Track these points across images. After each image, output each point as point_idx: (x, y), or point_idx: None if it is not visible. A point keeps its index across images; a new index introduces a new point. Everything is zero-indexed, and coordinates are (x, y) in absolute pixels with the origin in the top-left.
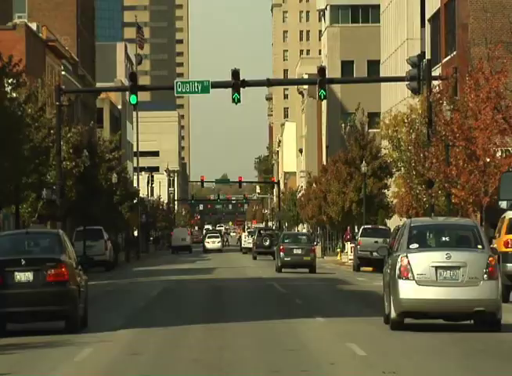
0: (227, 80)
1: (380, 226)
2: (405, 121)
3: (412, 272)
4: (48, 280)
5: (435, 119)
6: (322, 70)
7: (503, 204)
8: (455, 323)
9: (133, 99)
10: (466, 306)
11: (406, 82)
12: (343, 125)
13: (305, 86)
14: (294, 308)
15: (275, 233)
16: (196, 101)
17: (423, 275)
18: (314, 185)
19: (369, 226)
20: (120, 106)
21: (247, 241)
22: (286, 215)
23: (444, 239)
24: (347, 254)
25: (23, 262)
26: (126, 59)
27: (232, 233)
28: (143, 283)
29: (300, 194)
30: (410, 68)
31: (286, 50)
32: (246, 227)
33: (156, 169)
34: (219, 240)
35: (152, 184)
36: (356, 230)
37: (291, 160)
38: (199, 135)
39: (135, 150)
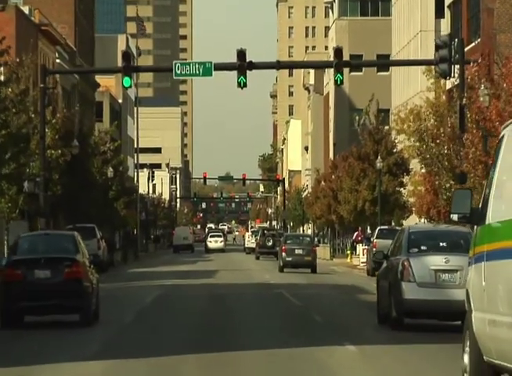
0: (232, 61)
1: (397, 227)
2: (429, 111)
3: (414, 275)
4: (65, 278)
5: (469, 106)
6: (338, 51)
7: (455, 217)
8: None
9: (126, 82)
10: (463, 307)
11: (432, 66)
12: (357, 118)
13: (311, 82)
14: (314, 328)
15: (280, 233)
16: (200, 98)
17: (423, 277)
18: (323, 182)
19: (386, 227)
20: (120, 100)
21: (251, 241)
22: (291, 214)
23: (441, 244)
24: (359, 257)
25: (43, 261)
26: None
27: (235, 232)
28: (135, 288)
29: (306, 193)
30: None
31: (292, 46)
32: (249, 227)
33: (158, 166)
34: (222, 239)
35: (152, 181)
36: (369, 231)
37: (296, 159)
38: (202, 133)
39: (135, 145)
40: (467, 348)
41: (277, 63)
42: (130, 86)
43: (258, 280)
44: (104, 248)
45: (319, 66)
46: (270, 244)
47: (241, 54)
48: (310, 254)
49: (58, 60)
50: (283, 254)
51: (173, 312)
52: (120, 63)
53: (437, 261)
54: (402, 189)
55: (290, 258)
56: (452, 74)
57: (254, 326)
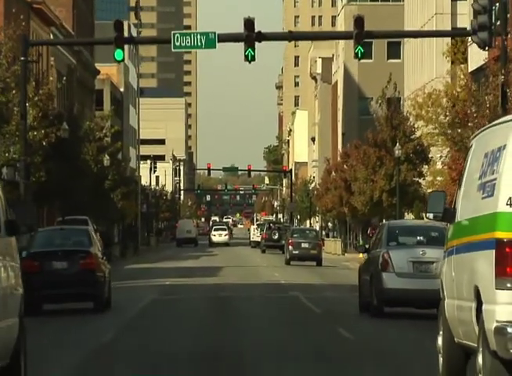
0: (238, 31)
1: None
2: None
3: (393, 266)
4: (80, 268)
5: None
6: (359, 20)
7: (430, 216)
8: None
9: (118, 55)
10: (438, 295)
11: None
12: (372, 103)
13: (318, 71)
14: (348, 351)
15: (286, 226)
16: (204, 89)
17: (402, 268)
18: (333, 173)
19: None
20: (122, 89)
21: (256, 235)
22: (298, 206)
23: (419, 238)
24: None
25: (60, 253)
26: (132, 48)
27: (239, 225)
28: (127, 290)
29: (313, 184)
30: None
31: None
32: (255, 220)
33: (162, 158)
34: (226, 232)
35: (154, 172)
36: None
37: (302, 150)
38: (206, 125)
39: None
40: (441, 332)
41: (289, 34)
42: (122, 59)
43: (267, 279)
44: (98, 242)
45: (337, 37)
46: (276, 237)
47: (249, 23)
48: (316, 248)
49: None
50: (290, 247)
51: (164, 328)
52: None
53: (414, 253)
54: (421, 179)
55: (296, 252)
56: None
57: (270, 350)
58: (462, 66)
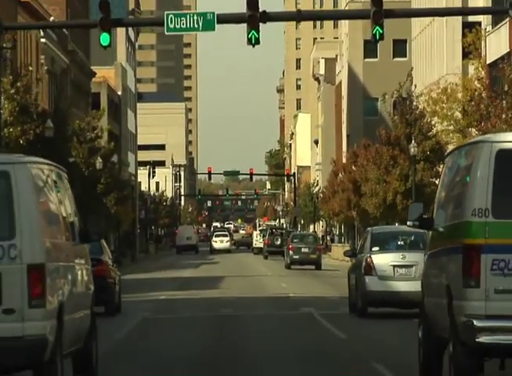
0: (240, 11)
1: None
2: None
3: (375, 270)
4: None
5: None
6: None
7: (410, 224)
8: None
9: (104, 39)
10: (418, 297)
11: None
12: (386, 97)
13: (321, 72)
14: None
15: (289, 231)
16: (205, 94)
17: (383, 272)
18: (340, 174)
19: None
20: (120, 92)
21: (259, 241)
22: (302, 211)
23: (399, 243)
24: None
25: None
26: (127, 41)
27: (241, 231)
28: None
29: (317, 188)
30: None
31: (299, 38)
32: (257, 225)
33: (162, 163)
34: (228, 239)
35: (153, 177)
36: None
37: (305, 154)
38: (207, 130)
39: (138, 142)
40: (422, 326)
41: (297, 14)
42: (109, 45)
43: (274, 291)
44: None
45: (352, 17)
46: (278, 242)
47: (252, 2)
48: (315, 253)
49: (43, 40)
50: (290, 252)
51: (149, 366)
52: (119, 53)
53: (395, 257)
54: (437, 180)
55: (296, 256)
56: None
57: None
58: (477, 58)
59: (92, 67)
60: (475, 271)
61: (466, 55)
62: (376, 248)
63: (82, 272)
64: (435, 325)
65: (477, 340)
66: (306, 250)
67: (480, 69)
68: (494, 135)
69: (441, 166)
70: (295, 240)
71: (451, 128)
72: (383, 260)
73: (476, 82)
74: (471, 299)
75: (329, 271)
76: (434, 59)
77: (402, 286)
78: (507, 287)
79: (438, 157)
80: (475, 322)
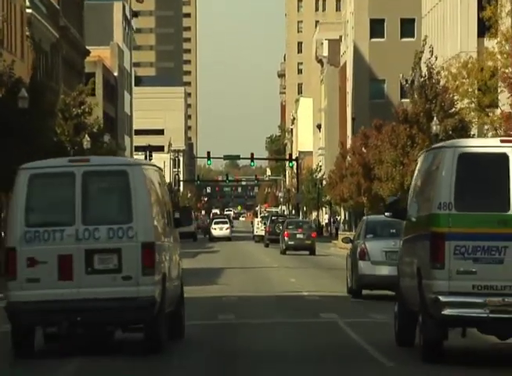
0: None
1: None
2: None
3: (369, 255)
4: None
5: None
6: None
7: (387, 214)
8: None
9: None
10: None
11: None
12: (401, 75)
13: (325, 53)
14: None
15: (291, 218)
16: (204, 79)
17: (376, 257)
18: (348, 158)
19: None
20: (116, 73)
21: (260, 228)
22: (304, 197)
23: (391, 231)
24: None
25: None
26: (124, 20)
27: (241, 218)
28: None
29: (321, 174)
30: None
31: (301, 21)
32: (258, 212)
33: (161, 149)
34: (227, 226)
35: (150, 160)
36: None
37: (306, 139)
38: (207, 115)
39: (135, 126)
40: (397, 303)
41: None
42: None
43: (283, 289)
44: None
45: None
46: (279, 230)
47: None
48: (310, 238)
49: (29, 10)
50: (286, 238)
51: None
52: (116, 33)
53: (387, 244)
54: None
55: (291, 242)
56: None
57: None
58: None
59: (88, 47)
60: (441, 255)
61: (482, 32)
62: (370, 235)
63: (176, 251)
64: (408, 301)
65: (442, 313)
66: (301, 236)
67: (504, 42)
68: (456, 141)
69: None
70: (290, 227)
71: (472, 106)
72: (376, 246)
73: (499, 56)
74: (437, 279)
75: (336, 260)
76: (447, 38)
77: (393, 270)
78: (467, 269)
79: (462, 137)
80: (441, 298)
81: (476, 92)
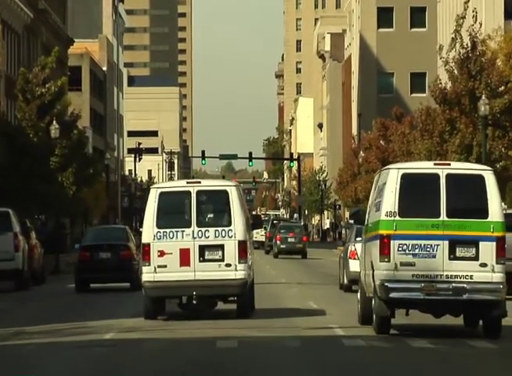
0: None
1: (510, 211)
2: None
3: (358, 255)
4: (120, 258)
5: None
6: None
7: (351, 221)
8: None
9: None
10: None
11: None
12: (437, 47)
13: (327, 48)
14: None
15: (293, 222)
16: (200, 79)
17: None
18: (361, 153)
19: None
20: (105, 68)
21: (260, 233)
22: (306, 200)
23: None
24: None
25: (105, 246)
26: (114, 13)
27: None
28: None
29: (324, 174)
30: None
31: (300, 18)
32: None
33: (155, 151)
34: None
35: (140, 160)
36: None
37: (306, 140)
38: (202, 117)
39: (128, 128)
40: (360, 290)
41: None
42: None
43: (306, 320)
44: (25, 248)
45: None
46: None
47: None
48: (301, 242)
49: None
50: (278, 242)
51: None
52: (105, 26)
53: None
54: (510, 151)
55: (283, 246)
56: None
57: None
58: None
59: (76, 41)
60: (387, 251)
61: (510, 15)
62: (359, 238)
63: (252, 247)
64: (366, 288)
65: (389, 296)
66: (292, 240)
67: None
68: (399, 164)
69: None
70: (282, 231)
71: None
72: None
73: None
74: (385, 269)
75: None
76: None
77: None
78: (407, 262)
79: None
80: (388, 284)
81: None
